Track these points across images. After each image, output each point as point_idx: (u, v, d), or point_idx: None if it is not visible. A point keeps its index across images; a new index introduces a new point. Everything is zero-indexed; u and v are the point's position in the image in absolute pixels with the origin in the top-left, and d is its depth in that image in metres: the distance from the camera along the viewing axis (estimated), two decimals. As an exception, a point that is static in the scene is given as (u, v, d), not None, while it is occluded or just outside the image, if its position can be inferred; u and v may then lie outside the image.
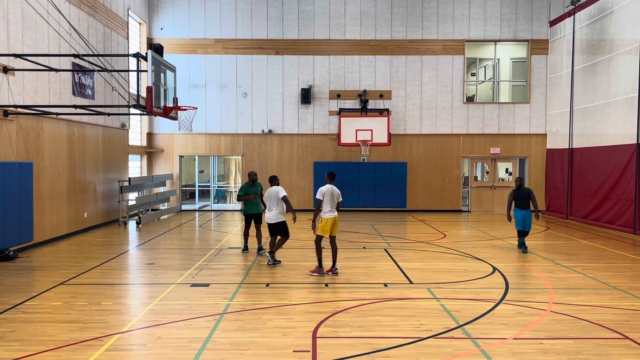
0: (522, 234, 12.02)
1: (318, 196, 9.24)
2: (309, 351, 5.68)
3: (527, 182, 21.05)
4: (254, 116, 20.85)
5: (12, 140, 11.33)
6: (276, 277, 9.29)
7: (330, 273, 9.33)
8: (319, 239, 9.44)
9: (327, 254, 10.98)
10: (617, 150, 15.48)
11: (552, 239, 14.24)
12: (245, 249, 11.76)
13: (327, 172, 9.57)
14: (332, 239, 9.48)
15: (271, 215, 10.24)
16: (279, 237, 10.34)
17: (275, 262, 10.24)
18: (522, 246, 11.97)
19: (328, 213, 9.25)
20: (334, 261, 9.47)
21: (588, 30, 17.52)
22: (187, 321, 6.69)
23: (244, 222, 11.90)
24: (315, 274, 9.30)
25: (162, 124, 20.63)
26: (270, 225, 10.32)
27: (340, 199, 9.39)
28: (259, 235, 11.48)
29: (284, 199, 10.04)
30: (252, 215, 11.45)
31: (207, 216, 19.40)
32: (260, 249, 11.45)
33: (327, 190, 9.24)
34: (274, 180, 10.52)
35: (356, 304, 7.53)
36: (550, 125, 20.44)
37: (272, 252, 10.26)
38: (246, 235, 11.70)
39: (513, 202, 12.02)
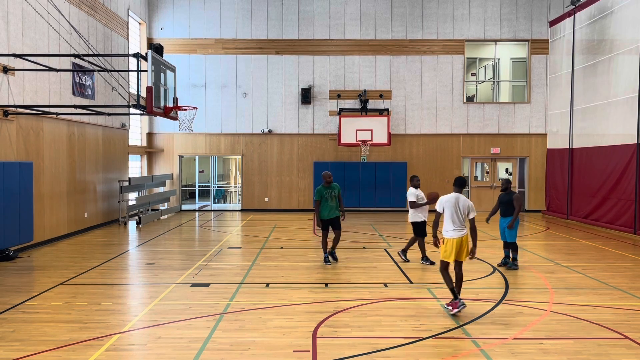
0: (506, 245, 10.21)
1: (437, 208, 7.38)
2: (309, 351, 5.68)
3: (527, 182, 21.04)
4: (254, 116, 20.84)
5: (12, 140, 11.33)
6: (276, 277, 9.28)
7: (451, 308, 7.03)
8: (443, 266, 7.27)
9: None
10: (618, 150, 15.48)
11: (552, 239, 14.24)
12: (327, 260, 10.38)
13: (456, 177, 7.59)
14: (458, 265, 7.29)
15: (409, 215, 10.51)
16: (418, 238, 10.51)
17: (428, 263, 10.37)
18: (506, 261, 10.12)
19: (451, 232, 7.14)
20: (458, 291, 7.20)
21: (588, 30, 17.52)
22: (187, 321, 6.69)
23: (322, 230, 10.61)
24: (451, 308, 7.03)
25: (162, 124, 20.62)
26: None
27: (472, 214, 7.18)
28: (335, 240, 10.48)
29: (410, 203, 10.25)
30: (331, 220, 10.38)
31: (207, 216, 19.40)
32: (331, 254, 10.53)
33: (449, 201, 7.20)
34: (410, 181, 10.61)
35: (356, 304, 7.52)
36: (551, 125, 20.43)
37: (424, 256, 10.49)
38: (325, 243, 10.49)
39: (499, 206, 10.28)
